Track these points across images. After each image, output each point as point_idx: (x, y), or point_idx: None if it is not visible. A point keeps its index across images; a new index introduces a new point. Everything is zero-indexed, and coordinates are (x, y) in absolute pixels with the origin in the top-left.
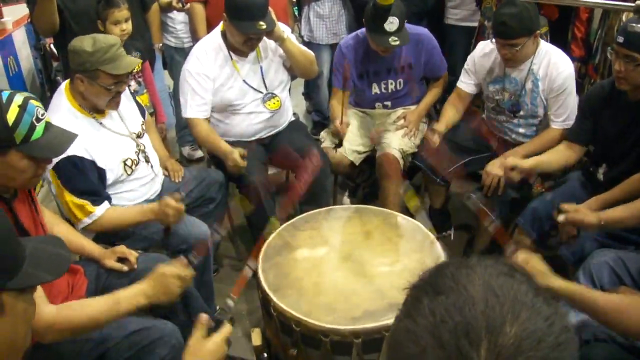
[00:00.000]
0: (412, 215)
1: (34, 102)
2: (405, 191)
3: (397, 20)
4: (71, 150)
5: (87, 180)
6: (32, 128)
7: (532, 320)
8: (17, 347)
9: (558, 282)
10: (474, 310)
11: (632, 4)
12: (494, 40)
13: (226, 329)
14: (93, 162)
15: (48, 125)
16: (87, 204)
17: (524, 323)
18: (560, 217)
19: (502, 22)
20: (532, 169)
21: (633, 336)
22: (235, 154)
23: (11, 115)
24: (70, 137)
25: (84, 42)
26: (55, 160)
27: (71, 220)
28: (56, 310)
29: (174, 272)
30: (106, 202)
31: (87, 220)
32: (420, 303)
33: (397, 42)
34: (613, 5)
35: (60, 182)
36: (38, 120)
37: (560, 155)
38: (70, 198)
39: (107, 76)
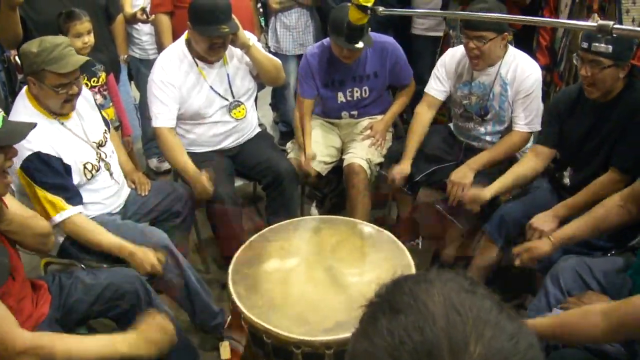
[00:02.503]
0: (380, 223)
1: None
2: None
3: None
4: (37, 147)
5: (57, 174)
6: None
7: (497, 338)
8: None
9: None
10: (435, 329)
11: (595, 24)
12: (462, 35)
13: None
14: (60, 159)
15: (4, 118)
16: (60, 201)
17: (488, 342)
18: (517, 262)
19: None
20: (497, 193)
21: (593, 343)
22: (203, 178)
23: None
24: (29, 125)
25: (32, 44)
26: (21, 159)
27: None
28: (31, 337)
29: (158, 325)
30: (80, 206)
31: (56, 218)
32: (378, 322)
33: (361, 46)
34: (575, 25)
35: (30, 178)
36: None
37: (527, 167)
38: (42, 194)
39: (53, 76)
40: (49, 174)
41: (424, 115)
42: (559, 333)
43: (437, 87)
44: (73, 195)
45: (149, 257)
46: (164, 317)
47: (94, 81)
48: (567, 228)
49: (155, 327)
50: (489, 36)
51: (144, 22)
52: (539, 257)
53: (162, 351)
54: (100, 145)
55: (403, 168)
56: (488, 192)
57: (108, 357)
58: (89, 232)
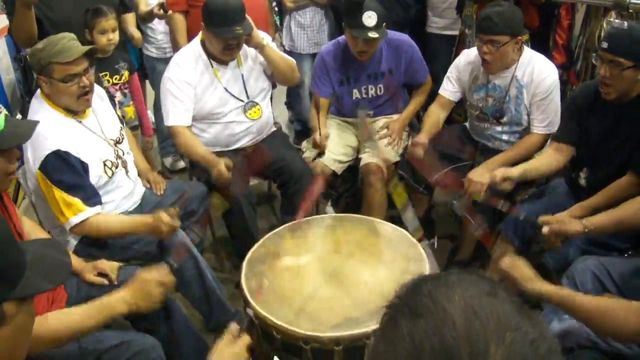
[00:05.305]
0: (396, 222)
1: None
2: (394, 187)
3: (375, 15)
4: (56, 145)
5: (75, 174)
6: None
7: (517, 343)
8: (15, 358)
9: (544, 287)
10: (455, 334)
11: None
12: (476, 39)
13: (246, 337)
14: (78, 158)
15: (7, 117)
16: (77, 202)
17: (509, 347)
18: (545, 229)
19: (486, 17)
20: (521, 176)
21: (619, 338)
22: (221, 165)
23: None
24: (32, 124)
25: (38, 44)
26: (40, 159)
27: (59, 221)
28: (37, 321)
29: (155, 277)
30: (98, 206)
31: (74, 220)
32: (398, 326)
33: (376, 36)
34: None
35: (48, 178)
36: None
37: (548, 160)
38: (59, 194)
39: (60, 67)
40: (67, 172)
41: (436, 115)
42: (593, 314)
43: (450, 88)
44: (91, 196)
45: (166, 218)
46: (161, 270)
47: (116, 78)
48: (597, 217)
49: (151, 280)
50: (502, 40)
51: (161, 17)
52: (568, 233)
53: (162, 300)
54: (117, 142)
55: (421, 137)
56: (515, 170)
57: (110, 319)
58: (108, 227)
